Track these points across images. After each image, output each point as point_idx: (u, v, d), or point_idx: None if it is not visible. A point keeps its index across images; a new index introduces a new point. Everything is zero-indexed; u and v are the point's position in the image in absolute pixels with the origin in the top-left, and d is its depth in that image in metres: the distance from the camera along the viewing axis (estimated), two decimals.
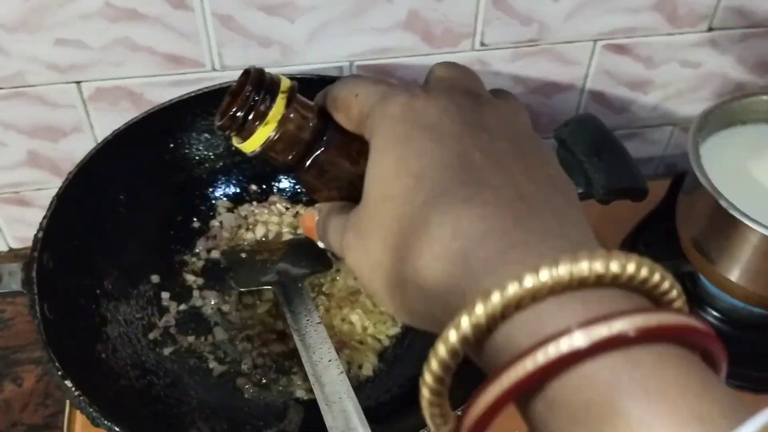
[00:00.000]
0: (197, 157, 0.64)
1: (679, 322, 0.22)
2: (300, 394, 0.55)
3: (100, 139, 0.68)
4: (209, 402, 0.54)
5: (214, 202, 0.65)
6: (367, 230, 0.29)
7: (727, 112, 0.67)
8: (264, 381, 0.55)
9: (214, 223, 0.64)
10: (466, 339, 0.23)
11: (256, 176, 0.66)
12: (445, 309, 0.25)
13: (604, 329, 0.21)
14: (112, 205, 0.58)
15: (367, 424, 0.46)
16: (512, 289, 0.22)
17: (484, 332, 0.23)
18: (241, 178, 0.66)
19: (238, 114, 0.34)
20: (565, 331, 0.21)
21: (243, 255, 0.61)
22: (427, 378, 0.24)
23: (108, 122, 0.68)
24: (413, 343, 0.58)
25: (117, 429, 0.43)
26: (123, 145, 0.58)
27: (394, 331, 0.59)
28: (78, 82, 0.66)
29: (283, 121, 0.34)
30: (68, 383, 0.44)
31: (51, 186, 0.72)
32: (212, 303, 0.59)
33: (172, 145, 0.62)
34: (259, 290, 0.59)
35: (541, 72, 0.75)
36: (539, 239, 0.25)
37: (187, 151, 0.63)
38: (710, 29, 0.75)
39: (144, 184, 0.60)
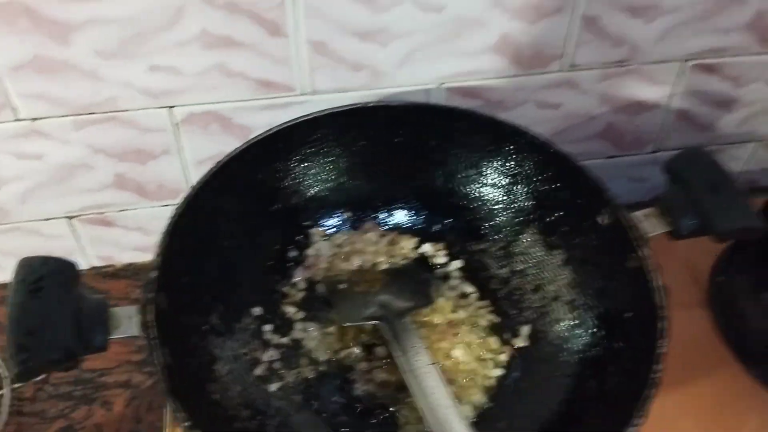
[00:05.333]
0: (293, 186, 0.64)
1: None
2: None
3: (188, 161, 0.69)
4: None
5: (309, 230, 0.64)
6: None
7: None
8: (369, 421, 0.55)
9: (310, 251, 0.64)
10: None
11: (349, 204, 0.65)
12: None
13: None
14: (215, 237, 0.58)
15: None
16: None
17: None
18: (334, 205, 0.65)
19: None
20: None
21: (341, 286, 0.61)
22: None
23: (196, 145, 0.68)
24: (521, 380, 0.58)
25: None
26: (225, 176, 0.57)
27: (498, 372, 0.59)
28: (170, 107, 0.65)
29: None
30: None
31: (135, 206, 0.72)
32: (314, 334, 0.59)
33: (269, 175, 0.62)
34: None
35: (629, 91, 0.74)
36: None
37: (283, 179, 0.63)
38: None
39: (244, 214, 0.60)
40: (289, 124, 0.61)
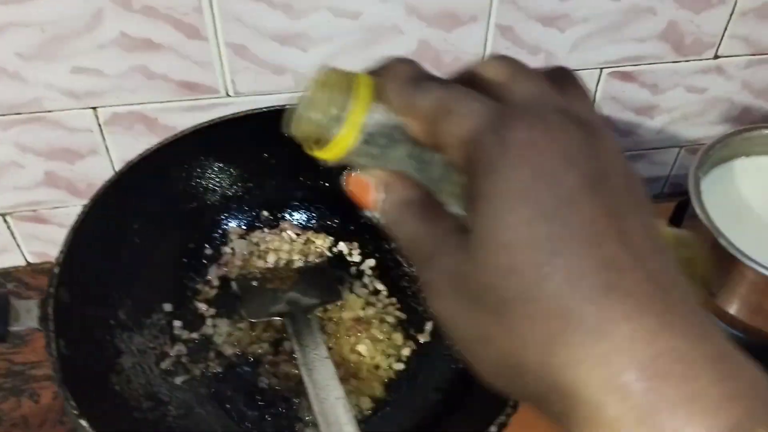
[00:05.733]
0: (209, 185, 0.66)
1: None
2: (299, 426, 0.57)
3: (115, 161, 0.71)
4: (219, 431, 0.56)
5: (226, 228, 0.66)
6: (477, 296, 0.26)
7: (729, 145, 0.68)
8: (271, 412, 0.57)
9: (226, 249, 0.65)
10: None
11: (267, 203, 0.67)
12: (576, 410, 0.24)
13: None
14: (126, 235, 0.60)
15: None
16: None
17: None
18: (252, 205, 0.67)
19: None
20: None
21: (254, 283, 0.63)
22: None
23: (123, 145, 0.70)
24: (418, 374, 0.60)
25: None
26: (136, 176, 0.59)
27: (400, 366, 0.61)
28: (94, 108, 0.67)
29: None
30: (84, 422, 0.46)
31: (68, 204, 0.74)
32: (224, 330, 0.61)
33: (184, 174, 0.64)
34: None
35: None
36: (684, 342, 0.24)
37: (199, 179, 0.65)
38: (716, 57, 0.75)
39: (157, 213, 0.62)
40: (203, 125, 0.63)
